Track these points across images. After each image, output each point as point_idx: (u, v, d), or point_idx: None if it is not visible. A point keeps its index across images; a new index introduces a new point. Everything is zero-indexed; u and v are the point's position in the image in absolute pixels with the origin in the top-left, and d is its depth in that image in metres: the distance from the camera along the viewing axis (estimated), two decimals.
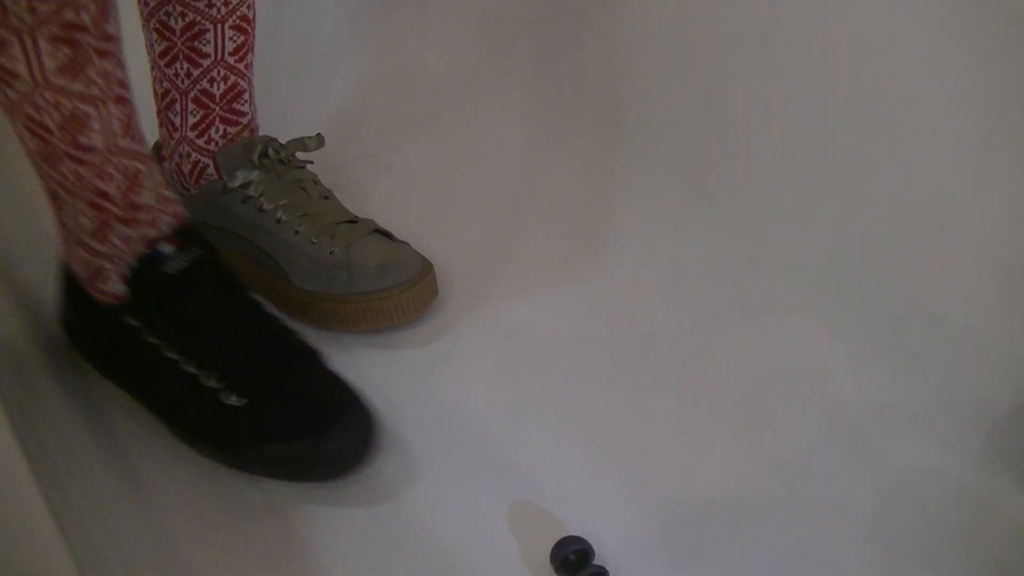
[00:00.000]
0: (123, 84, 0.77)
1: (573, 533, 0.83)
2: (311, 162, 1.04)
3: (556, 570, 0.80)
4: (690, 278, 1.00)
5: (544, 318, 0.99)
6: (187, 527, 0.83)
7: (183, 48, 0.95)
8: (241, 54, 0.97)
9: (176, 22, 0.94)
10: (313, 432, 0.81)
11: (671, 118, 1.07)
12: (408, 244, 1.00)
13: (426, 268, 0.98)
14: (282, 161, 0.99)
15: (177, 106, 0.97)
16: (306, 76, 1.21)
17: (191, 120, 0.97)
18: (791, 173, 1.00)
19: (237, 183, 0.97)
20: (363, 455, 0.83)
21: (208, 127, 0.98)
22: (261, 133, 1.06)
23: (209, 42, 0.95)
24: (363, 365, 0.95)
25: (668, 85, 1.06)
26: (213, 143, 0.98)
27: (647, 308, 0.98)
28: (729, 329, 0.96)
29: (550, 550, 0.81)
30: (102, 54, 0.74)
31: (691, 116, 1.05)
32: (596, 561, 0.81)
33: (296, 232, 0.96)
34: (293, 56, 1.23)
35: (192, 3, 0.93)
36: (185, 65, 0.95)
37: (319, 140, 1.02)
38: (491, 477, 0.86)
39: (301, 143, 1.01)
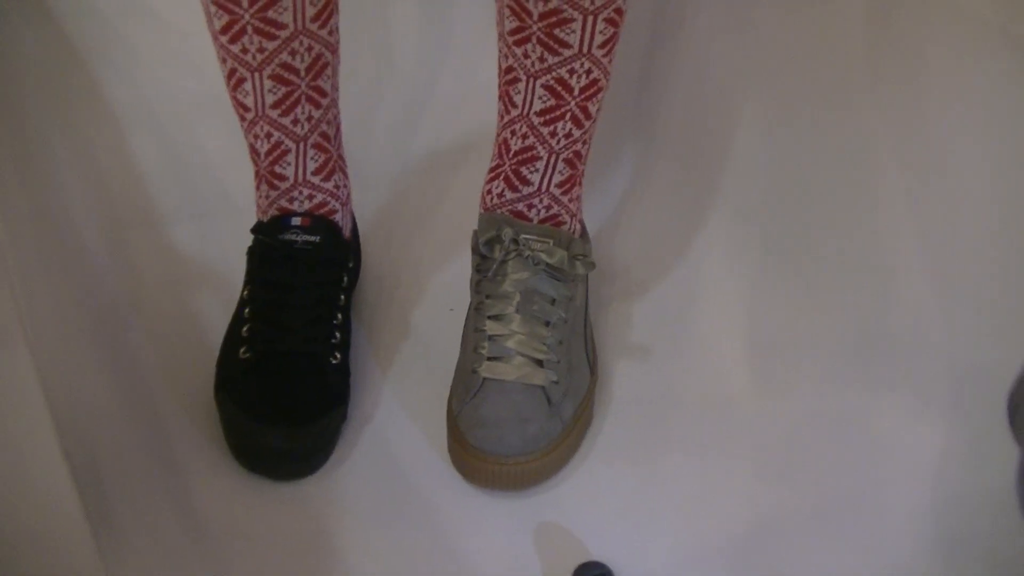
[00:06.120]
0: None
1: (596, 559, 0.82)
2: None
3: None
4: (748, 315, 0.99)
5: None
6: (222, 516, 0.84)
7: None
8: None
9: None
10: (265, 421, 0.85)
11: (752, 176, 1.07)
12: None
13: None
14: None
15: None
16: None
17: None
18: (860, 232, 1.01)
19: None
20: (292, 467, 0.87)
21: None
22: None
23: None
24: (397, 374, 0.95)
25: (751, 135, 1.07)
26: None
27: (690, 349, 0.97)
28: (770, 371, 0.95)
29: (571, 573, 0.81)
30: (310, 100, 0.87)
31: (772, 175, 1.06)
32: None
33: None
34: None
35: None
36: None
37: None
38: (519, 495, 0.86)
39: None
